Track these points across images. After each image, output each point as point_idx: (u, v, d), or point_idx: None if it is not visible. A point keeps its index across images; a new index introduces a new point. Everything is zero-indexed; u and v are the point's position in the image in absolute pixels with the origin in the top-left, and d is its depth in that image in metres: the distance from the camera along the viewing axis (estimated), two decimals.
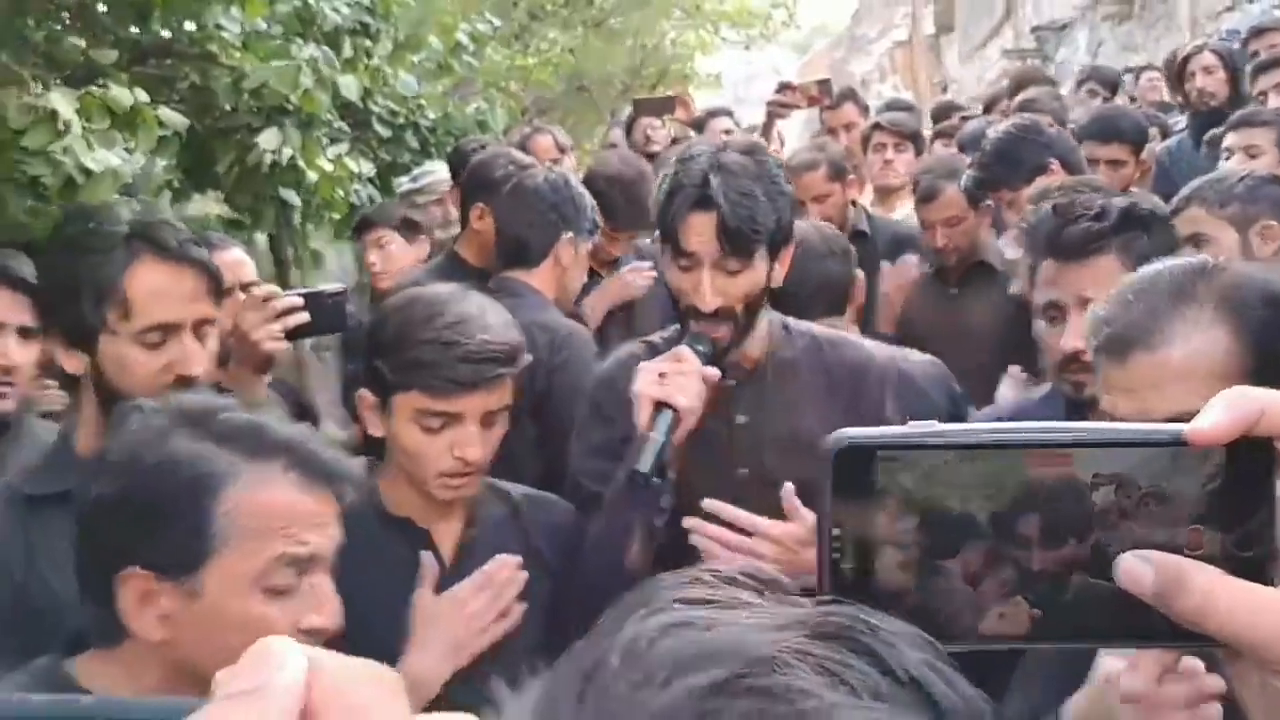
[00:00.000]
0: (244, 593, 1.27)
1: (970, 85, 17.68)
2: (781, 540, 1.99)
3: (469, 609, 1.83)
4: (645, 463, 1.89)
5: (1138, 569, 0.58)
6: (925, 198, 3.79)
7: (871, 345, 2.34)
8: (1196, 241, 2.55)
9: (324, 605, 1.33)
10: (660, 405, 1.91)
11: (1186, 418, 1.43)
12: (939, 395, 2.77)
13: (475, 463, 1.91)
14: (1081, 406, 2.04)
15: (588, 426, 2.20)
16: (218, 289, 1.84)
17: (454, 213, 4.93)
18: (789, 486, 2.02)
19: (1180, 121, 5.56)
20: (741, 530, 1.98)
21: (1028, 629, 0.60)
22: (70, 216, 1.90)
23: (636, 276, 3.64)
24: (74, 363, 1.79)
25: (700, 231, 1.99)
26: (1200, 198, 2.57)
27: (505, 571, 1.88)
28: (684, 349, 1.99)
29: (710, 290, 1.99)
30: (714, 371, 1.98)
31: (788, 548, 1.98)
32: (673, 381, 1.92)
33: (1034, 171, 3.27)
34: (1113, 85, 5.84)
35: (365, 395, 1.96)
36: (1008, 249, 3.06)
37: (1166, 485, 0.59)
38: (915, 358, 2.81)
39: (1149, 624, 0.58)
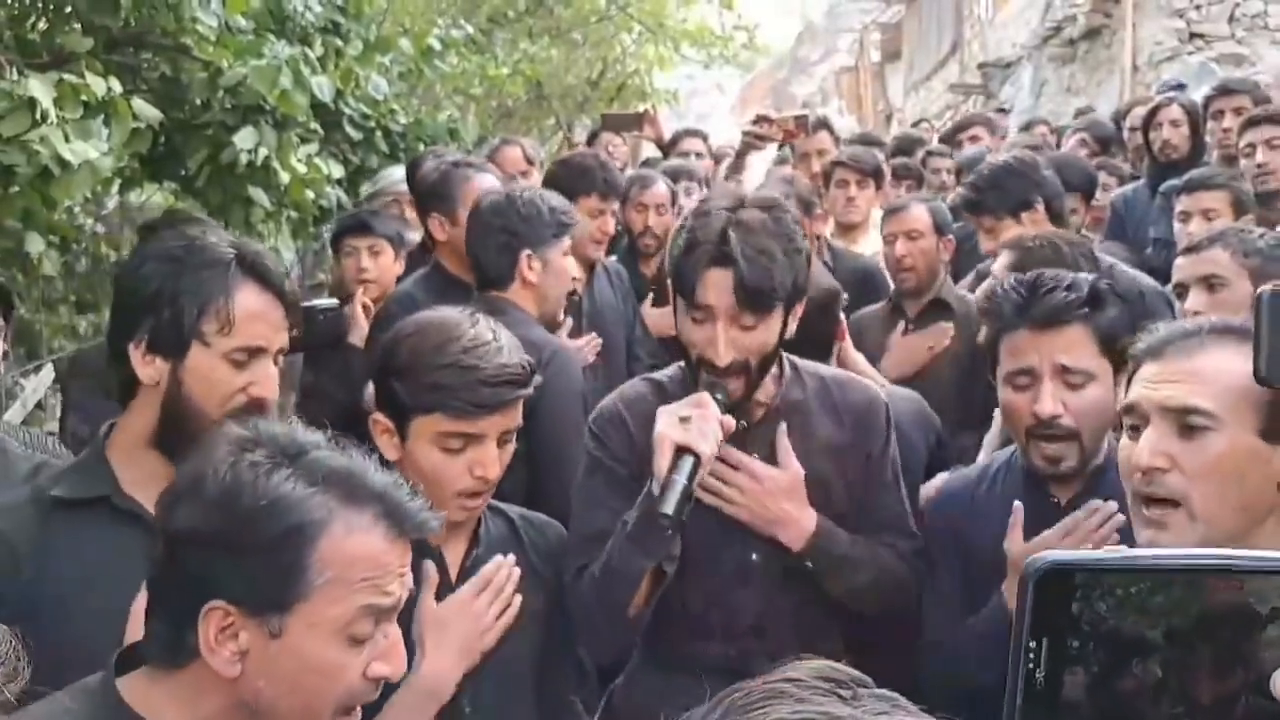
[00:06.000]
0: (326, 638, 1.25)
1: (914, 115, 17.96)
2: (761, 479, 2.07)
3: (474, 609, 1.88)
4: (670, 504, 1.89)
5: None
6: (892, 210, 3.94)
7: (872, 385, 2.37)
8: (1210, 282, 2.62)
9: (391, 654, 1.32)
10: (681, 451, 1.91)
11: (1189, 409, 1.48)
12: (920, 437, 2.81)
13: (493, 481, 1.93)
14: (1041, 481, 2.09)
15: (593, 478, 2.16)
16: (295, 322, 1.89)
17: (410, 216, 4.92)
18: (783, 427, 2.10)
19: (1126, 169, 5.74)
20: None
21: None
22: (164, 233, 1.99)
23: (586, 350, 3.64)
24: (151, 369, 1.76)
25: (718, 286, 1.97)
26: (1225, 242, 2.64)
27: (503, 571, 1.91)
28: (705, 396, 1.99)
29: (725, 345, 1.99)
30: (730, 421, 1.99)
31: (764, 490, 2.07)
32: (695, 427, 1.92)
33: (1019, 206, 3.38)
34: (1104, 141, 6.02)
35: (379, 419, 1.95)
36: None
37: None
38: (900, 395, 2.84)
39: None
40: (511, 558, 1.94)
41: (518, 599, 1.91)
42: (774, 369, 2.15)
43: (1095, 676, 0.65)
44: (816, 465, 2.14)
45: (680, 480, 1.88)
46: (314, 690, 1.27)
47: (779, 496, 2.08)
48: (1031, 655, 0.65)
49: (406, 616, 1.86)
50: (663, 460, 1.90)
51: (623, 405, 2.18)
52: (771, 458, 2.13)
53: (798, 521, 2.09)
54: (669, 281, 2.12)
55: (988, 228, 3.46)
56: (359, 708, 1.35)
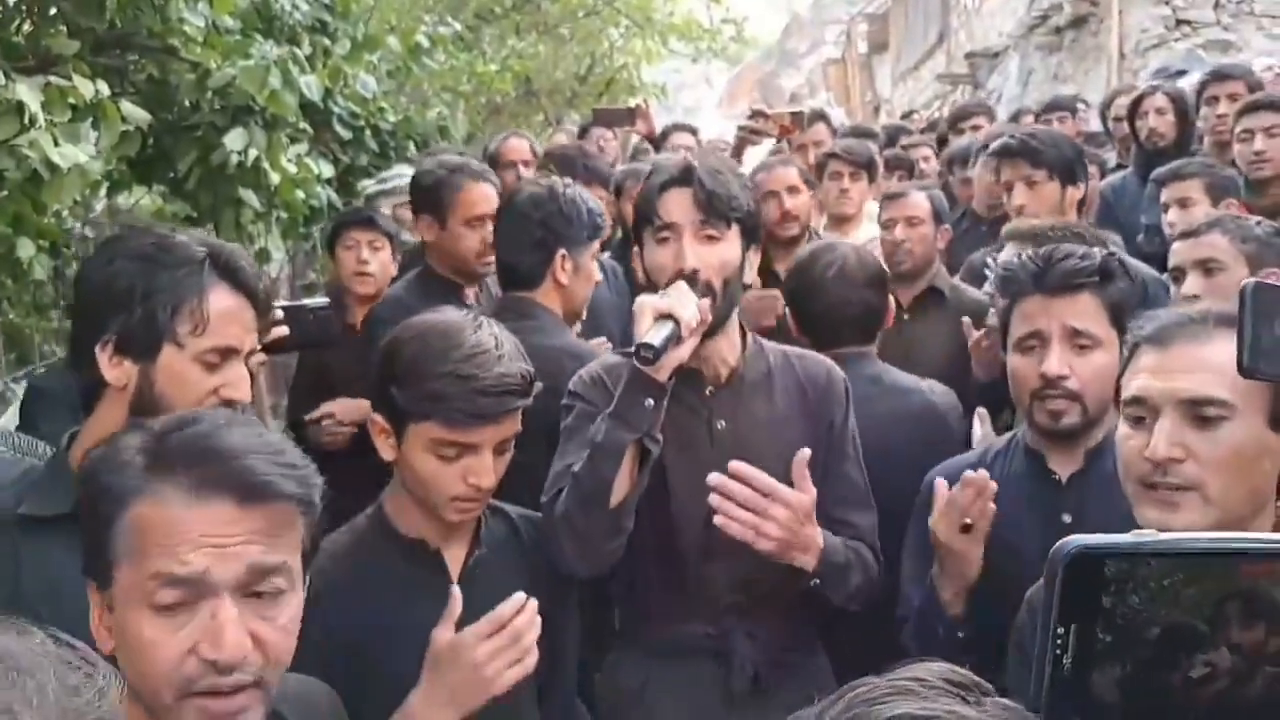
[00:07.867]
0: (136, 609, 1.24)
1: (902, 106, 17.96)
2: (794, 508, 2.04)
3: (475, 655, 1.69)
4: (656, 337, 1.93)
5: None
6: (892, 196, 3.98)
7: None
8: (1208, 266, 2.64)
9: (219, 636, 1.22)
10: (662, 317, 1.98)
11: (1204, 399, 1.50)
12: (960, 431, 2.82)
13: (487, 489, 1.91)
14: (1042, 459, 2.14)
15: (571, 424, 2.17)
16: (266, 324, 1.86)
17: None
18: (804, 453, 2.08)
19: (1111, 158, 5.75)
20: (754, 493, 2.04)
21: None
22: (127, 232, 1.89)
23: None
24: (120, 371, 1.70)
25: (679, 203, 2.14)
26: (1223, 227, 2.68)
27: (524, 616, 1.72)
28: (681, 282, 2.06)
29: (691, 251, 2.11)
30: (707, 308, 2.05)
31: (795, 517, 2.05)
32: (675, 297, 2.01)
33: (1069, 176, 3.38)
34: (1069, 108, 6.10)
35: (377, 420, 1.94)
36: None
37: None
38: (940, 390, 2.85)
39: None
40: (534, 602, 1.75)
41: (534, 653, 1.74)
42: (737, 339, 2.24)
43: (1122, 662, 0.65)
44: (781, 434, 2.20)
45: (663, 331, 1.95)
46: (141, 668, 1.24)
47: (804, 521, 2.06)
48: (1059, 642, 0.64)
49: (421, 642, 1.73)
50: (643, 324, 1.96)
51: (602, 369, 2.24)
52: (736, 424, 2.20)
53: (816, 543, 2.10)
54: (634, 226, 2.24)
55: (1032, 181, 3.37)
56: (260, 708, 1.26)
